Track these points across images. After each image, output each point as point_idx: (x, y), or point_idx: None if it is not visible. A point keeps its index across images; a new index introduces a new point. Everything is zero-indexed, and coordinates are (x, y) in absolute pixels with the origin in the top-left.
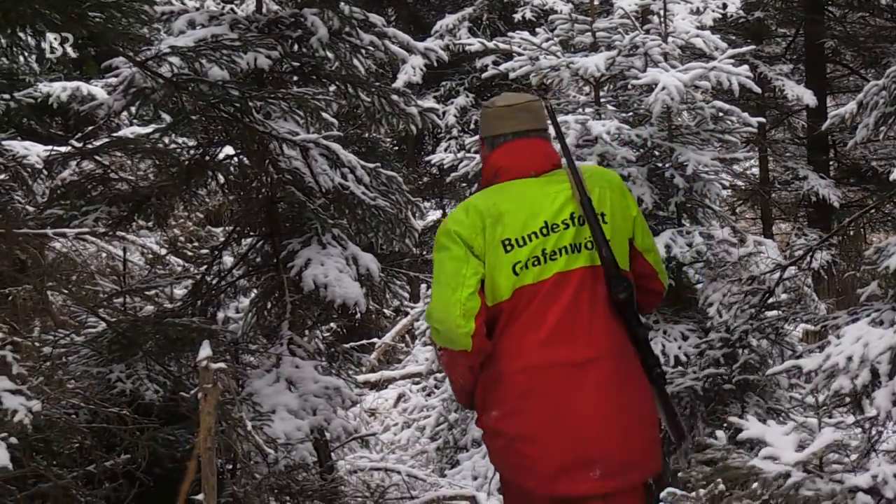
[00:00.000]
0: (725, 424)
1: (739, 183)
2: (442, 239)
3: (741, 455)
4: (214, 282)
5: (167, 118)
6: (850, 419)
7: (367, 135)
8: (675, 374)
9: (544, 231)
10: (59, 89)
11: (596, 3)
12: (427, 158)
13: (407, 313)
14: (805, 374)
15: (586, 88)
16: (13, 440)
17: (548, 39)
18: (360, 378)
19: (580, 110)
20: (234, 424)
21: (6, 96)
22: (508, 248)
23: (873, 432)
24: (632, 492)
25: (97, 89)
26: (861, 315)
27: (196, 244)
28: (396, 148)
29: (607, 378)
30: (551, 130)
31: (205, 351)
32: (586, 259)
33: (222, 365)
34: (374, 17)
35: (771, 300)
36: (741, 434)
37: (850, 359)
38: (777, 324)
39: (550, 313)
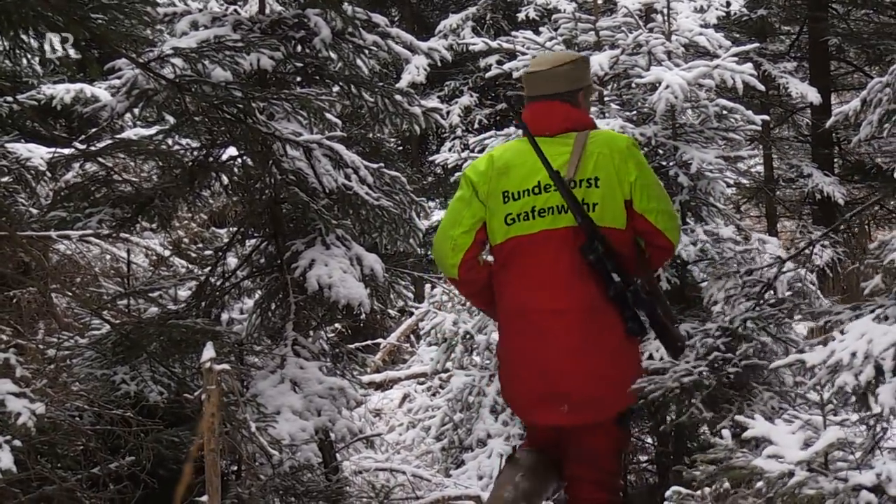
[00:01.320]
0: (731, 423)
1: (744, 181)
2: (460, 180)
3: (745, 454)
4: (218, 283)
5: (171, 119)
6: (855, 416)
7: (371, 135)
8: (669, 362)
9: (536, 190)
10: (62, 91)
11: (599, 1)
12: (431, 158)
13: (412, 313)
14: (809, 370)
15: None
16: (17, 443)
17: (551, 39)
18: (365, 378)
19: None
20: (239, 426)
21: (9, 99)
22: (506, 199)
23: (878, 429)
24: (600, 426)
25: (101, 91)
26: (864, 311)
27: (200, 245)
28: (401, 148)
29: (577, 326)
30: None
31: (208, 353)
32: (570, 220)
33: (226, 366)
34: (378, 18)
35: (772, 297)
36: (746, 433)
37: (853, 355)
38: (778, 315)
39: (537, 264)
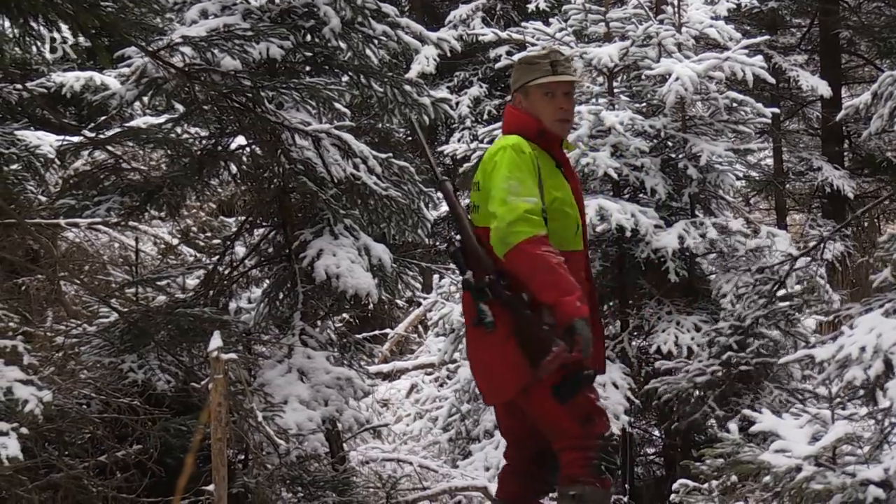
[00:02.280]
0: (739, 416)
1: (754, 174)
2: None
3: (752, 449)
4: (227, 272)
5: (180, 108)
6: (864, 411)
7: (380, 125)
8: (682, 362)
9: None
10: (72, 79)
11: None
12: (440, 149)
13: (420, 304)
14: (818, 365)
15: (600, 79)
16: (24, 430)
17: (561, 30)
18: (373, 369)
19: (593, 100)
20: (246, 415)
21: (18, 86)
22: None
23: (886, 424)
24: (529, 397)
25: (110, 79)
26: (874, 306)
27: (209, 234)
28: (410, 138)
29: (469, 330)
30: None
31: (215, 342)
32: None
33: (233, 356)
34: (387, 7)
35: (782, 292)
36: (754, 427)
37: (863, 349)
38: (789, 312)
39: None
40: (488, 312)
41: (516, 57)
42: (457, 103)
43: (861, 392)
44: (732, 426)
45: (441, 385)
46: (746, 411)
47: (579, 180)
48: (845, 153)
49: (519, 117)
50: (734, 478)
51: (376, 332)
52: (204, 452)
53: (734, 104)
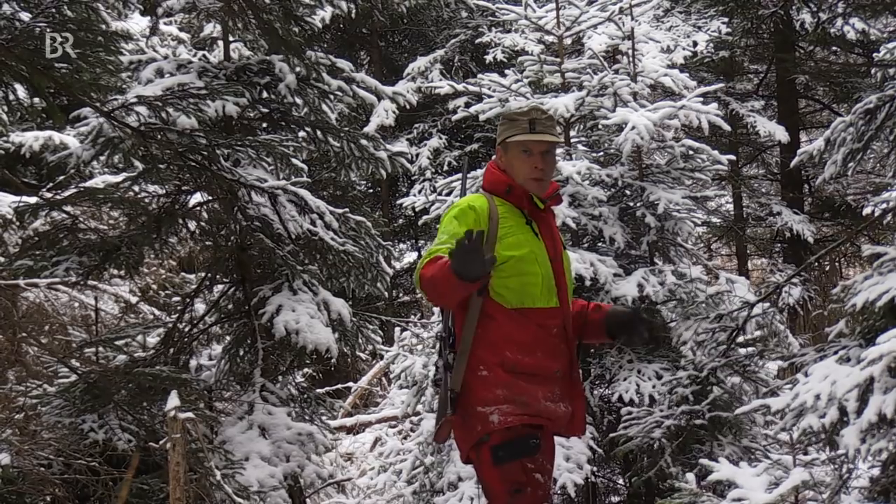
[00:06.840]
0: (698, 466)
1: (714, 220)
2: None
3: (710, 498)
4: (187, 329)
5: (140, 165)
6: (824, 456)
7: (340, 178)
8: (642, 412)
9: None
10: (31, 139)
11: (568, 42)
12: (399, 201)
13: (382, 357)
14: (774, 413)
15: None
16: None
17: (517, 81)
18: (336, 423)
19: None
20: (207, 473)
21: None
22: None
23: (844, 470)
24: (471, 457)
25: (69, 138)
26: (828, 352)
27: (169, 292)
28: (371, 190)
29: None
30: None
31: (172, 401)
32: None
33: (190, 415)
34: (342, 63)
35: (741, 338)
36: (711, 476)
37: (817, 397)
38: (745, 361)
39: None
40: (439, 370)
41: (472, 109)
42: (416, 155)
43: (822, 436)
44: (690, 476)
45: (405, 438)
46: (704, 461)
47: (559, 240)
48: (805, 198)
49: (492, 174)
50: None
51: (340, 386)
52: None
53: (690, 152)
